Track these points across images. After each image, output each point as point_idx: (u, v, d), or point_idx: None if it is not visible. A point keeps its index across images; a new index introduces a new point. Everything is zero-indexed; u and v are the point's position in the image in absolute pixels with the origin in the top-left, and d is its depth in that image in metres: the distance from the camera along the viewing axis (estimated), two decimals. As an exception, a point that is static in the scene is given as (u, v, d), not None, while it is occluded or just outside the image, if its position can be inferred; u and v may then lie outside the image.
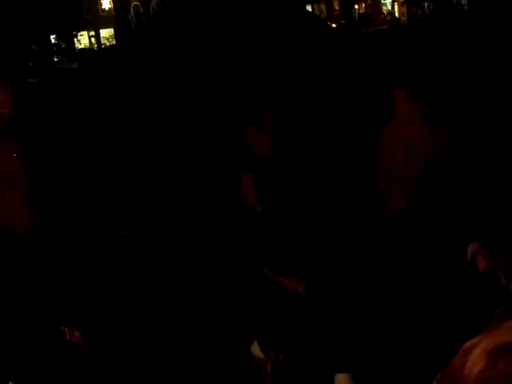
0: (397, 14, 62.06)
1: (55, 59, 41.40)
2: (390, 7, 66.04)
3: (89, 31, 54.28)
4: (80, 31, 49.62)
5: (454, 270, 3.80)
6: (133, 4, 52.52)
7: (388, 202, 5.15)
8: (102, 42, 53.35)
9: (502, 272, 3.27)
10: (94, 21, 53.54)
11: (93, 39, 55.29)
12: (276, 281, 4.12)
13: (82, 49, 44.92)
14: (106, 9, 54.08)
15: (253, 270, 4.33)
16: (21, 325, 4.51)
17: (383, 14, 61.27)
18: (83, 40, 52.19)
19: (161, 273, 4.85)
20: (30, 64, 27.66)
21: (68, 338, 3.96)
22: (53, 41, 45.01)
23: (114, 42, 43.89)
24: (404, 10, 60.17)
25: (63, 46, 43.97)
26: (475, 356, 1.10)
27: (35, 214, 5.46)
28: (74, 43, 47.37)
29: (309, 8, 50.72)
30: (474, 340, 1.13)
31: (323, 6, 63.88)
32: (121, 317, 4.34)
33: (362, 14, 59.78)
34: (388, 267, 4.22)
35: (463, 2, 52.95)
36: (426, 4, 54.38)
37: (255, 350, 4.09)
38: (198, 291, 4.65)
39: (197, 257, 4.97)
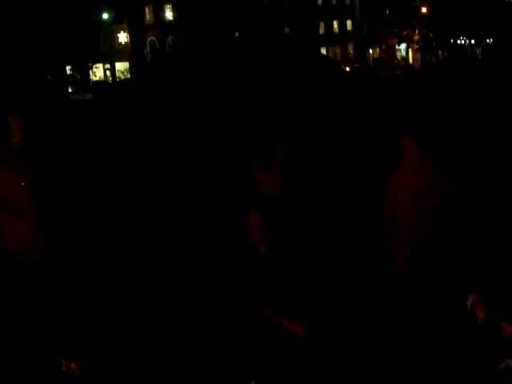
0: (411, 60, 62.56)
1: (70, 90, 41.72)
2: (404, 53, 66.60)
3: (104, 64, 54.78)
4: (96, 63, 50.09)
5: (454, 320, 3.77)
6: (149, 39, 53.10)
7: (392, 248, 5.13)
8: (117, 74, 53.83)
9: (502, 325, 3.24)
10: (110, 54, 54.02)
11: (108, 72, 55.78)
12: (276, 323, 4.10)
13: (97, 81, 45.27)
14: (123, 42, 54.58)
15: (254, 310, 4.31)
16: (18, 353, 4.48)
17: (397, 59, 61.78)
18: (98, 72, 52.64)
19: (163, 308, 4.83)
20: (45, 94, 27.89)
21: (64, 369, 3.93)
22: (68, 72, 45.41)
23: (129, 76, 44.28)
24: (418, 56, 60.66)
25: (78, 77, 44.36)
26: None
27: (41, 243, 5.47)
28: (89, 75, 47.79)
29: (323, 51, 51.16)
30: None
31: (338, 50, 64.45)
32: (119, 351, 4.31)
33: (377, 58, 60.21)
34: (389, 314, 4.19)
35: (477, 51, 53.39)
36: (439, 51, 54.79)
37: (252, 390, 4.06)
38: (198, 329, 4.63)
39: (199, 294, 4.95)
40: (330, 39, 61.93)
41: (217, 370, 4.32)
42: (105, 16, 52.21)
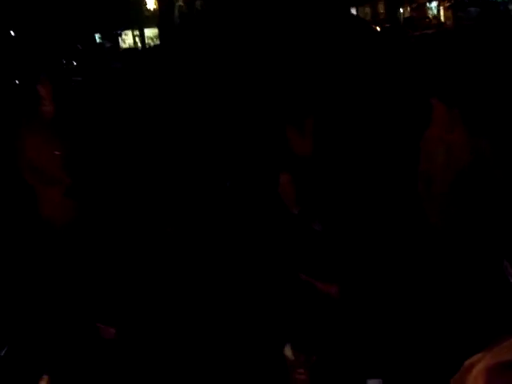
0: (442, 19, 61.56)
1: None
2: (435, 11, 65.52)
3: (133, 30, 54.59)
4: (124, 30, 49.94)
5: (488, 276, 3.76)
6: (177, 4, 52.76)
7: (428, 206, 5.13)
8: (147, 41, 53.63)
9: None
10: (139, 20, 53.79)
11: (137, 38, 55.61)
12: (311, 284, 4.12)
13: (127, 48, 45.20)
14: (151, 9, 54.25)
15: (288, 272, 4.32)
16: (56, 319, 4.55)
17: (428, 18, 60.79)
18: (128, 39, 52.49)
19: (198, 271, 4.87)
20: (75, 63, 27.95)
21: (102, 334, 3.98)
22: (97, 40, 45.35)
23: (158, 42, 44.15)
24: (450, 14, 59.68)
25: (108, 45, 44.29)
26: (477, 373, 1.08)
27: (75, 211, 5.53)
28: (118, 42, 47.70)
29: (353, 11, 50.51)
30: (476, 356, 1.12)
31: (368, 9, 63.52)
32: (156, 315, 4.36)
33: (408, 17, 59.30)
34: (424, 273, 4.19)
35: (511, 8, 52.28)
36: (472, 9, 53.78)
37: (288, 352, 4.09)
38: (234, 291, 4.66)
39: (234, 257, 4.98)
40: (359, -1, 61.18)
41: (252, 333, 4.36)
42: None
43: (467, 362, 1.13)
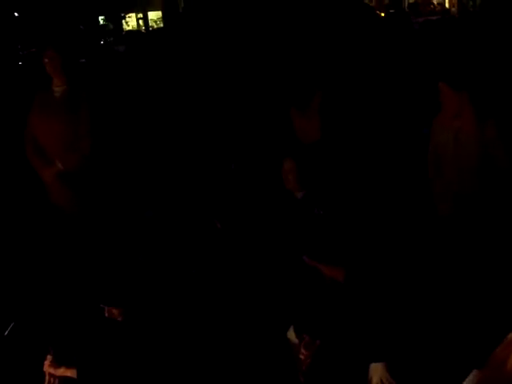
0: (447, 5, 61.25)
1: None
2: (440, -3, 65.29)
3: (137, 13, 54.40)
4: (128, 13, 49.74)
5: (499, 261, 3.76)
6: (181, -13, 52.60)
7: (437, 191, 5.14)
8: (150, 24, 53.49)
9: None
10: (143, 3, 53.59)
11: (141, 21, 55.44)
12: (315, 268, 4.12)
13: (130, 30, 45.02)
14: (155, -9, 54.08)
15: (292, 256, 4.32)
16: (60, 300, 4.56)
17: (433, 4, 60.55)
18: (131, 22, 52.31)
19: (201, 254, 4.87)
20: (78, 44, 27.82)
21: (106, 315, 3.99)
22: (101, 22, 45.17)
23: (162, 25, 44.00)
24: (455, 0, 59.38)
25: (111, 27, 44.12)
26: None
27: (72, 194, 5.51)
28: (121, 25, 47.50)
29: (358, -4, 50.23)
30: None
31: (373, -5, 63.36)
32: (161, 296, 4.36)
33: (412, 3, 59.03)
34: (429, 258, 4.19)
35: (515, -5, 51.78)
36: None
37: (291, 335, 4.10)
38: (237, 275, 4.66)
39: (237, 242, 4.98)
40: (364, -16, 60.83)
41: (256, 316, 4.36)
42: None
43: (510, 336, 1.13)
